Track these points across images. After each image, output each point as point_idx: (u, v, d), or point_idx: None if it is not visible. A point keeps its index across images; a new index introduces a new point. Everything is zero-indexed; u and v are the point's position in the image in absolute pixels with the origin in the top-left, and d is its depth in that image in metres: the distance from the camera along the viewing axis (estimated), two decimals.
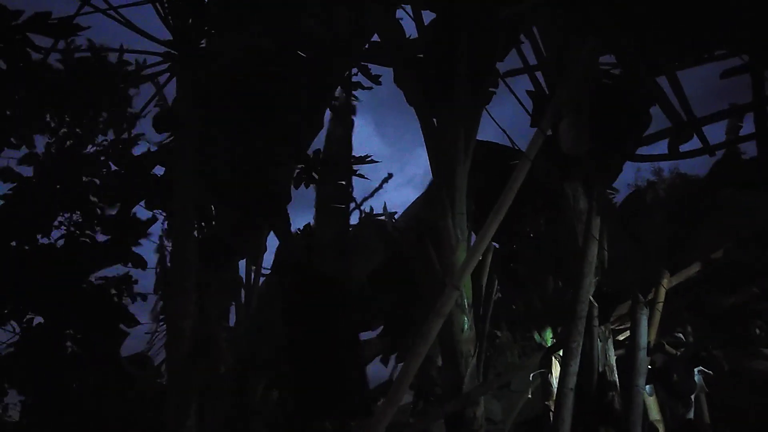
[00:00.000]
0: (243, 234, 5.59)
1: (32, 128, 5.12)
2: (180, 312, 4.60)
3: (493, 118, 4.59)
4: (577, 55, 5.19)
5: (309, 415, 4.41)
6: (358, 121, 5.97)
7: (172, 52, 4.79)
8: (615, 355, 5.22)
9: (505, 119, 6.29)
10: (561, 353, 5.21)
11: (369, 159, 6.17)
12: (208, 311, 5.63)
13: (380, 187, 6.92)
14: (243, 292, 6.60)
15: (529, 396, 5.72)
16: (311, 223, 6.48)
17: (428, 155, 5.30)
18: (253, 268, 6.19)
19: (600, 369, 5.08)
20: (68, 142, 5.21)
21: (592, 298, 5.01)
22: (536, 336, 5.99)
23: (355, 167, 6.07)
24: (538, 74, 5.74)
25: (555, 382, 6.07)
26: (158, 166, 5.54)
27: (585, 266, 5.00)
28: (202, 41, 4.87)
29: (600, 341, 5.10)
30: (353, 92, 5.82)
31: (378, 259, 6.31)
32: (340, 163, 5.90)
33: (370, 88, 5.75)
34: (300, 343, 3.65)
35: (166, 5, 4.63)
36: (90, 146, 5.32)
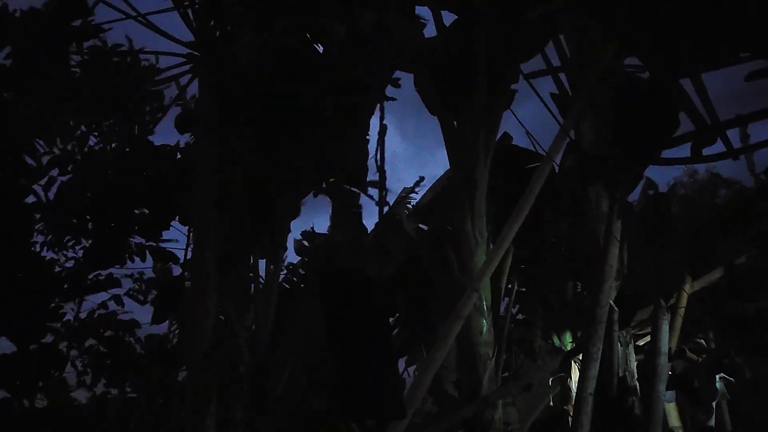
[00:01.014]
0: (261, 234, 5.60)
1: (55, 131, 5.21)
2: (201, 311, 4.62)
3: (519, 120, 4.56)
4: (600, 57, 5.15)
5: (342, 415, 4.41)
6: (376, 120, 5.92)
7: (194, 53, 4.83)
8: (635, 361, 5.17)
9: (527, 121, 6.26)
10: (580, 357, 5.17)
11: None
12: (226, 311, 5.67)
13: (413, 189, 6.90)
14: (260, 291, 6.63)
15: (550, 403, 5.69)
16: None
17: (448, 157, 5.29)
18: (272, 267, 6.20)
19: (620, 374, 5.03)
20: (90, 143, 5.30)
21: (612, 303, 4.97)
22: (555, 339, 5.95)
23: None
24: (562, 75, 5.72)
25: (574, 386, 6.03)
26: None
27: (606, 270, 4.95)
28: (224, 42, 4.89)
29: (620, 346, 5.06)
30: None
31: (398, 261, 6.30)
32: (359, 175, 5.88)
33: (394, 99, 5.72)
34: (338, 343, 3.66)
35: (189, 8, 4.67)
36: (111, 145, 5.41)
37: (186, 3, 4.71)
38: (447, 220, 5.37)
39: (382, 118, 4.34)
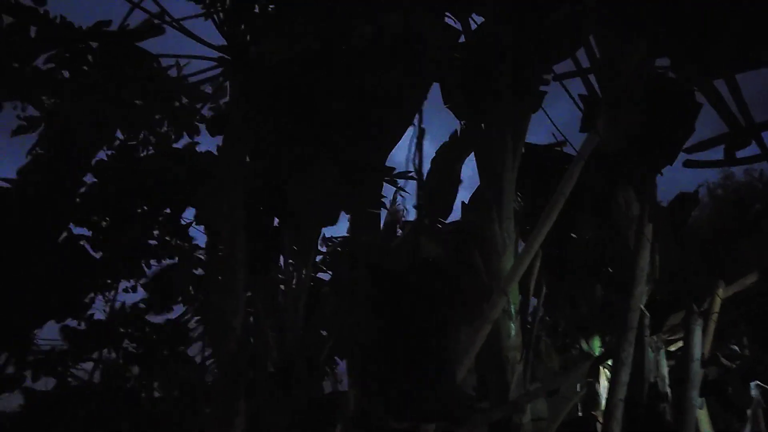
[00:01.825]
0: (288, 236, 5.66)
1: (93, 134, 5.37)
2: (230, 310, 4.69)
3: (552, 121, 4.54)
4: (630, 58, 5.08)
5: (390, 415, 4.45)
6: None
7: (226, 57, 4.92)
8: (667, 367, 5.09)
9: (557, 121, 6.22)
10: (610, 362, 5.10)
11: (410, 175, 6.16)
12: (255, 310, 5.74)
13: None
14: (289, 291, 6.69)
15: (579, 411, 5.63)
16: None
17: (476, 159, 5.27)
18: (300, 268, 6.26)
19: (651, 380, 4.96)
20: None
21: (643, 308, 4.90)
22: (584, 344, 5.88)
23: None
24: (591, 77, 5.66)
25: (602, 391, 5.96)
26: None
27: (636, 274, 4.88)
28: (252, 46, 4.96)
29: (651, 352, 4.99)
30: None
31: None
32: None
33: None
34: (390, 342, 3.71)
35: (221, 13, 4.76)
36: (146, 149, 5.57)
37: (218, 8, 4.80)
38: (473, 222, 5.35)
39: (420, 122, 4.36)
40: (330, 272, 8.28)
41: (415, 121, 5.21)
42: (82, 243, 5.69)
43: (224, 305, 4.69)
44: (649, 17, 4.96)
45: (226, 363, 4.62)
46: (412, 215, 7.11)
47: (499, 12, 4.92)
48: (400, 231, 7.19)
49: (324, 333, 6.97)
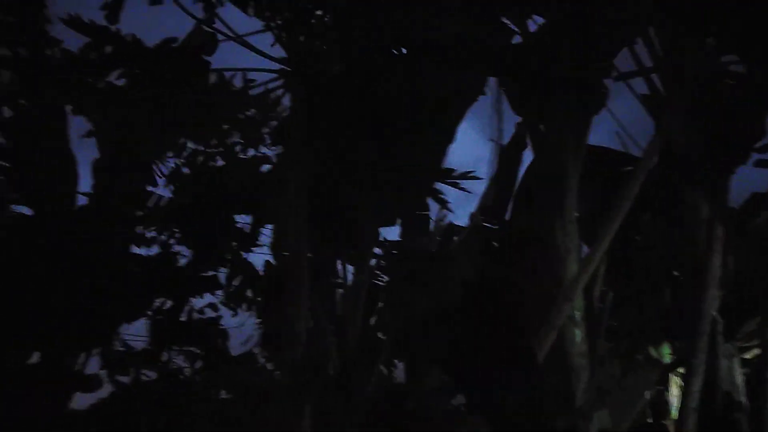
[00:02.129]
0: (348, 241, 5.74)
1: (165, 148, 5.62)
2: (294, 316, 4.79)
3: (618, 120, 4.47)
4: (695, 56, 4.92)
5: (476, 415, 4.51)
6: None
7: (286, 68, 5.05)
8: (742, 375, 4.90)
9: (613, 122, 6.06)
10: (680, 370, 4.95)
11: (471, 174, 6.15)
12: (316, 314, 5.85)
13: None
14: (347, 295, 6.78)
15: (648, 419, 5.48)
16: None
17: (535, 162, 5.20)
18: (360, 274, 6.34)
19: (725, 389, 4.78)
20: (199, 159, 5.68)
21: (715, 313, 4.73)
22: (652, 351, 5.70)
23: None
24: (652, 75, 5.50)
25: (672, 399, 5.78)
26: None
27: (708, 278, 4.72)
28: (312, 56, 5.07)
29: (725, 359, 4.81)
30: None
31: (479, 273, 6.25)
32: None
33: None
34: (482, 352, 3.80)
35: (281, 26, 4.90)
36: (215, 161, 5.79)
37: (278, 22, 4.94)
38: (533, 227, 5.28)
39: (499, 125, 4.35)
40: (385, 275, 8.33)
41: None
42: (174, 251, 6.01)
43: (289, 311, 4.80)
44: (715, 13, 4.80)
45: (292, 368, 4.72)
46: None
47: (560, 12, 4.86)
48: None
49: (382, 336, 7.02)
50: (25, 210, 5.66)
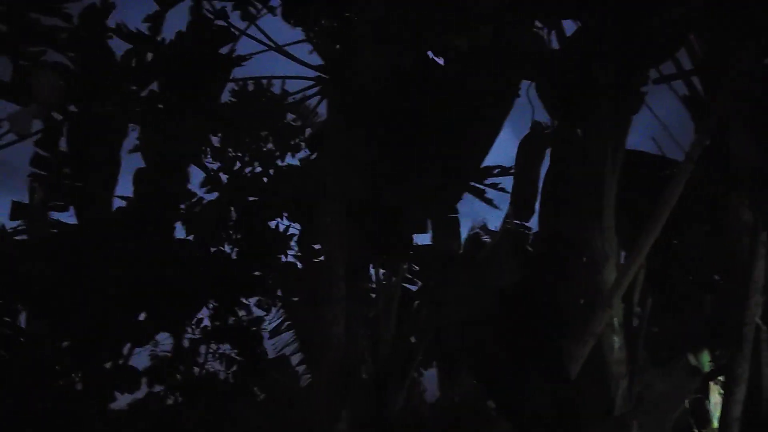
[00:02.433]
0: (386, 246, 5.76)
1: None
2: (329, 319, 4.84)
3: (660, 121, 4.41)
4: (739, 58, 4.82)
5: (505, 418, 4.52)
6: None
7: (323, 76, 5.10)
8: None
9: (654, 124, 5.96)
10: (721, 378, 4.85)
11: (512, 171, 6.10)
12: (348, 318, 5.88)
13: None
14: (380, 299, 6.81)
15: (693, 429, 5.38)
16: None
17: (572, 167, 5.15)
18: (392, 276, 6.37)
19: None
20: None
21: (759, 321, 4.63)
22: (692, 358, 5.60)
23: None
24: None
25: (713, 408, 5.66)
26: None
27: (751, 285, 4.63)
28: (349, 63, 5.11)
29: None
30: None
31: (513, 278, 6.21)
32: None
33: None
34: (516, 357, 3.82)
35: (317, 34, 4.96)
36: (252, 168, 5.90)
37: (315, 30, 5.00)
38: (570, 233, 5.23)
39: (532, 130, 4.34)
40: (417, 279, 8.34)
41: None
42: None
43: (325, 315, 4.85)
44: (758, 16, 4.69)
45: (328, 372, 4.76)
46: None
47: (598, 15, 4.81)
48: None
49: (414, 340, 7.03)
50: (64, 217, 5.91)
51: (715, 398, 5.61)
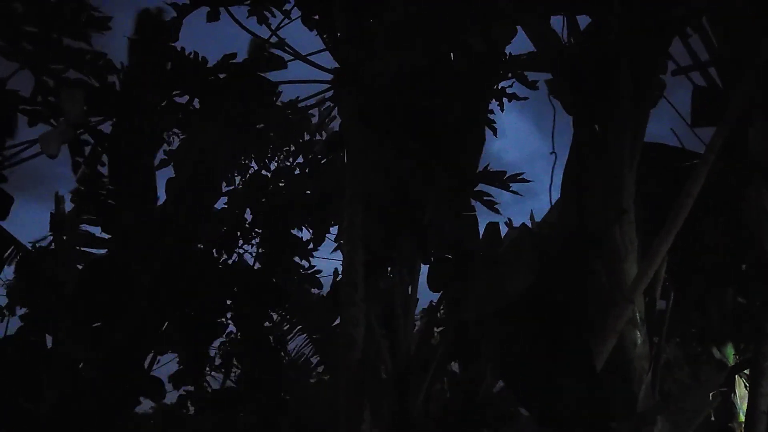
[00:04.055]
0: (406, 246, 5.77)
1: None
2: (351, 321, 4.86)
3: (678, 113, 4.37)
4: (757, 49, 4.76)
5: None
6: (516, 117, 5.92)
7: (338, 78, 5.12)
8: None
9: (672, 116, 5.90)
10: (747, 372, 4.79)
11: (521, 177, 6.11)
12: (368, 319, 5.90)
13: None
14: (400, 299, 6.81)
15: (711, 418, 5.31)
16: None
17: (590, 163, 5.12)
18: (410, 275, 6.37)
19: None
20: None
21: None
22: (716, 353, 5.55)
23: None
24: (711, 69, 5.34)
25: (739, 402, 5.60)
26: None
27: None
28: (364, 66, 5.13)
29: None
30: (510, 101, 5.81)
31: (533, 275, 6.18)
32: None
33: (525, 99, 5.72)
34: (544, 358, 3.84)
35: (333, 37, 4.99)
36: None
37: (331, 34, 5.03)
38: (589, 228, 5.19)
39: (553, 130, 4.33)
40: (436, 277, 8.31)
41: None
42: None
43: (345, 316, 4.88)
44: None
45: (350, 373, 4.79)
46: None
47: (615, 9, 4.78)
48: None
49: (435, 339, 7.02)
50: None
51: (742, 392, 5.55)
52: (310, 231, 6.48)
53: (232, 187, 6.54)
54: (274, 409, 6.45)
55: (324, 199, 5.90)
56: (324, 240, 6.48)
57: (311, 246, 6.60)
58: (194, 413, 6.65)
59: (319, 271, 7.13)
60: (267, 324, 6.73)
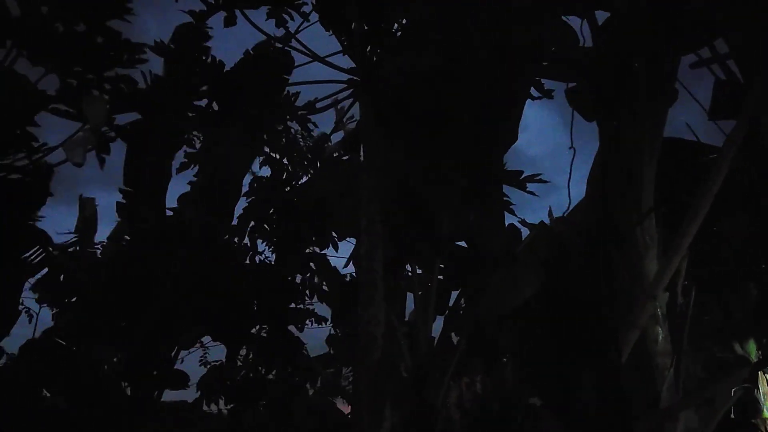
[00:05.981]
0: (422, 246, 5.79)
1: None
2: (371, 320, 4.89)
3: (701, 105, 4.34)
4: None
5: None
6: (541, 111, 5.94)
7: (355, 78, 5.16)
8: None
9: (690, 111, 5.86)
10: None
11: (538, 178, 6.10)
12: (388, 317, 5.93)
13: None
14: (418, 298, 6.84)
15: (731, 415, 5.28)
16: None
17: (610, 158, 5.10)
18: (429, 275, 6.39)
19: None
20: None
21: None
22: (738, 348, 5.49)
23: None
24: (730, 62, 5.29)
25: (762, 398, 5.55)
26: None
27: None
28: (380, 66, 5.16)
29: None
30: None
31: (544, 276, 6.17)
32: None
33: (540, 98, 5.71)
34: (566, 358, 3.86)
35: (350, 37, 5.02)
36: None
37: (348, 35, 5.06)
38: (609, 224, 5.18)
39: (571, 131, 4.33)
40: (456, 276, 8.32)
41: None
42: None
43: (366, 316, 4.90)
44: None
45: (372, 372, 4.81)
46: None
47: (633, 6, 4.75)
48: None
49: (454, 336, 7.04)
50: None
51: (765, 388, 5.49)
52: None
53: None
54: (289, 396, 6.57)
55: (327, 205, 5.97)
56: (328, 245, 6.57)
57: (318, 248, 6.71)
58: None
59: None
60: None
